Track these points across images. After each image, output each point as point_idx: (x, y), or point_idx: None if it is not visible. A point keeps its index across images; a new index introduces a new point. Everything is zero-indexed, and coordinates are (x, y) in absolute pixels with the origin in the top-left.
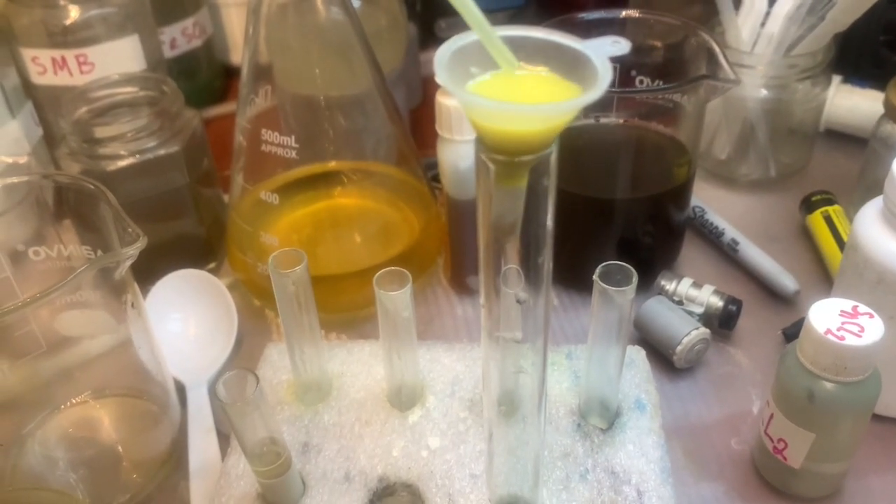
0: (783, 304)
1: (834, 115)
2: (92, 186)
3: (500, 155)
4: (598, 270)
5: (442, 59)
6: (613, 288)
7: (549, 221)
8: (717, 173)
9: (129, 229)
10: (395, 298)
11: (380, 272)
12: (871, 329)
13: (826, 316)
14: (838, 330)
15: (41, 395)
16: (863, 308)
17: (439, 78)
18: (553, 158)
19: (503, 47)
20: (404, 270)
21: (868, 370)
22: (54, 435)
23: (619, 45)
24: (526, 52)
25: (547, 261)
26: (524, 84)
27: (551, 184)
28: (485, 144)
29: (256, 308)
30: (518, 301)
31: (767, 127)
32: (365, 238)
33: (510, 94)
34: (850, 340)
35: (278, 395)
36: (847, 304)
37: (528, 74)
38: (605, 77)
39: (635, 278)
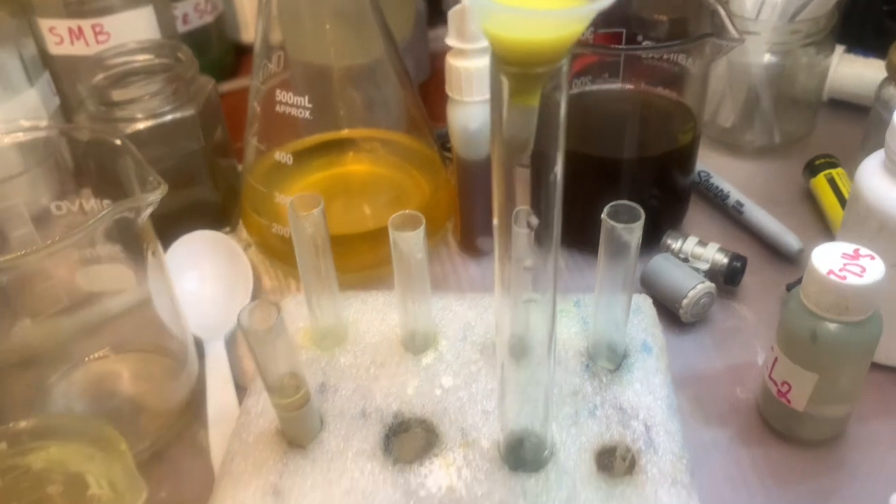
0: (787, 263)
1: (837, 85)
2: (114, 139)
3: (513, 67)
4: (606, 210)
5: None
6: (622, 225)
7: (561, 136)
8: (722, 141)
9: (151, 178)
10: (409, 239)
11: (394, 215)
12: (873, 269)
13: (829, 258)
14: (840, 270)
15: (63, 351)
16: (864, 250)
17: None
18: (565, 72)
19: None
20: (418, 213)
21: (869, 310)
22: (76, 388)
23: None
24: None
25: (558, 179)
26: None
27: (563, 97)
28: (499, 57)
29: (269, 270)
30: (529, 226)
31: (772, 94)
32: (376, 202)
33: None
34: (852, 280)
35: (296, 341)
36: (849, 247)
37: None
38: None
39: (642, 216)
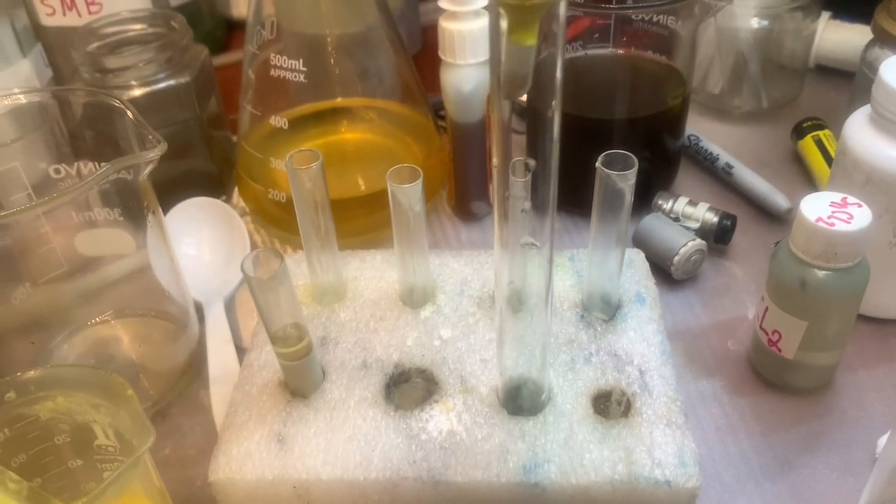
0: (776, 222)
1: (824, 50)
2: (111, 98)
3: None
4: (600, 159)
5: None
6: (616, 173)
7: (559, 70)
8: (711, 106)
9: (150, 136)
10: (408, 191)
11: (392, 169)
12: (860, 216)
13: (817, 206)
14: (829, 218)
15: (64, 315)
16: (852, 199)
17: None
18: (562, 5)
19: None
20: (416, 167)
21: (857, 257)
22: (78, 351)
23: None
24: None
25: (556, 115)
26: None
27: (560, 31)
28: None
29: (266, 240)
30: (527, 168)
31: (759, 59)
32: (371, 169)
33: None
34: (840, 227)
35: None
36: (837, 196)
37: None
38: None
39: (636, 164)
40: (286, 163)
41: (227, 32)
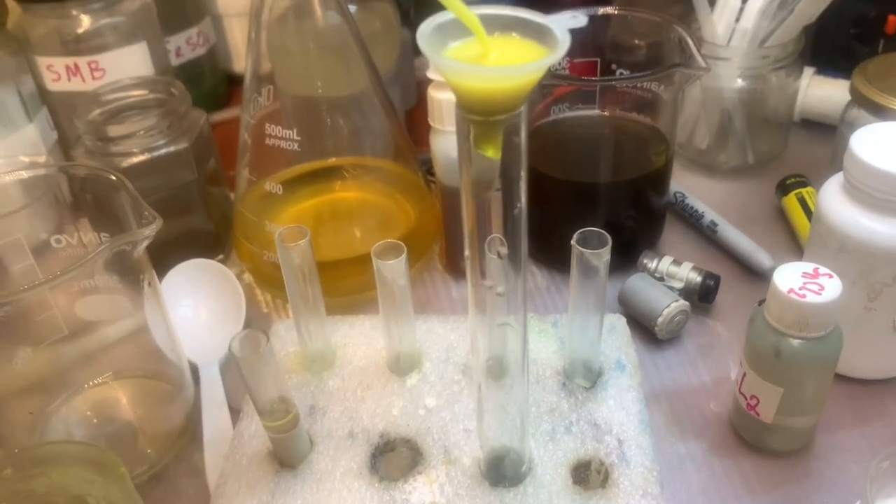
0: (760, 280)
1: (808, 105)
2: (110, 175)
3: (476, 115)
4: (575, 237)
5: (424, 31)
6: (590, 251)
7: (523, 175)
8: (698, 162)
9: (146, 212)
10: (392, 267)
11: (377, 244)
12: (830, 288)
13: (789, 277)
14: (800, 289)
15: (64, 378)
16: (823, 270)
17: (421, 46)
18: (523, 118)
19: (472, 15)
20: (399, 242)
21: (829, 326)
22: (76, 414)
23: (578, 19)
24: (498, 27)
25: (522, 214)
26: (496, 47)
27: (522, 141)
28: (463, 107)
29: (261, 296)
30: (499, 256)
31: (744, 116)
32: (364, 227)
33: (483, 57)
34: (811, 298)
35: (286, 366)
36: (809, 266)
37: (499, 38)
38: (563, 43)
39: (610, 242)
40: (276, 238)
41: (228, 87)
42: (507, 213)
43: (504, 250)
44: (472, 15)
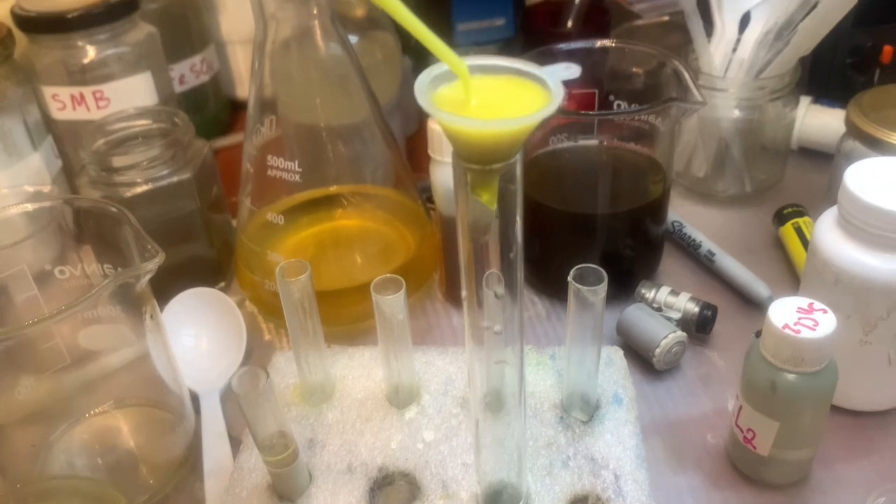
0: (757, 310)
1: (805, 134)
2: (113, 208)
3: (473, 164)
4: (571, 273)
5: (421, 85)
6: (587, 288)
7: (518, 221)
8: (695, 190)
9: (149, 246)
10: (391, 302)
11: (376, 279)
12: (825, 323)
13: (784, 312)
14: (795, 325)
15: (66, 406)
16: (818, 304)
17: (420, 101)
18: (518, 167)
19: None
20: (398, 277)
21: (824, 361)
22: (78, 443)
23: (572, 70)
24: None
25: (518, 256)
26: (492, 88)
27: (518, 188)
28: (460, 156)
29: (263, 325)
30: (496, 296)
31: (741, 145)
32: (365, 256)
33: (478, 101)
34: (806, 334)
35: (286, 398)
36: (804, 301)
37: (495, 78)
38: (557, 97)
39: (606, 279)
40: (276, 273)
41: (232, 113)
42: (503, 256)
43: (501, 290)
44: (461, 65)
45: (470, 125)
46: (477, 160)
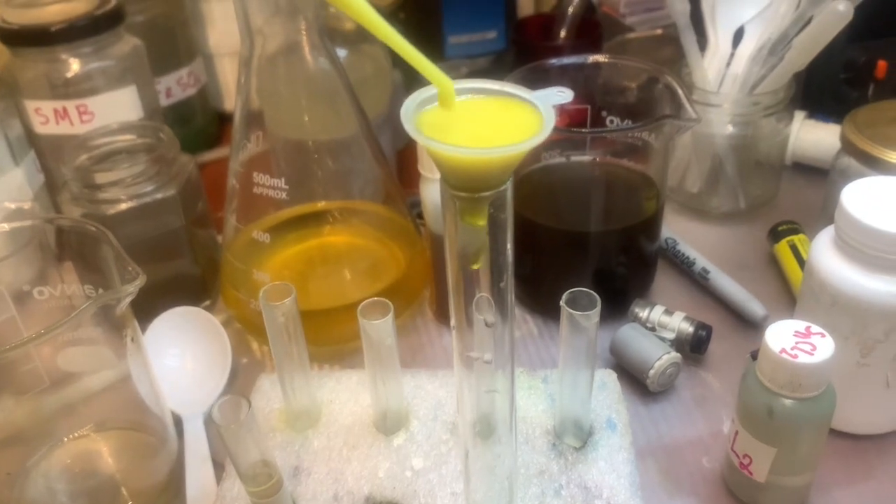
0: (752, 330)
1: (800, 149)
2: (94, 228)
3: (462, 192)
4: (564, 297)
5: (407, 111)
6: (579, 312)
7: (509, 249)
8: (689, 206)
9: (129, 268)
10: (378, 327)
11: (363, 303)
12: (823, 347)
13: (781, 336)
14: (792, 349)
15: (45, 429)
16: (815, 328)
17: (406, 128)
18: (508, 195)
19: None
20: (386, 301)
21: (822, 386)
22: (57, 467)
23: (564, 95)
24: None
25: (509, 285)
26: (482, 112)
27: (508, 216)
28: (448, 183)
29: (249, 343)
30: (486, 324)
31: (735, 161)
32: (353, 274)
33: (467, 126)
34: (803, 358)
35: (270, 423)
36: (801, 324)
37: (486, 101)
38: (549, 123)
39: (599, 303)
40: (260, 296)
41: (219, 126)
42: (493, 284)
43: (491, 318)
44: (448, 83)
45: (457, 153)
46: (465, 188)
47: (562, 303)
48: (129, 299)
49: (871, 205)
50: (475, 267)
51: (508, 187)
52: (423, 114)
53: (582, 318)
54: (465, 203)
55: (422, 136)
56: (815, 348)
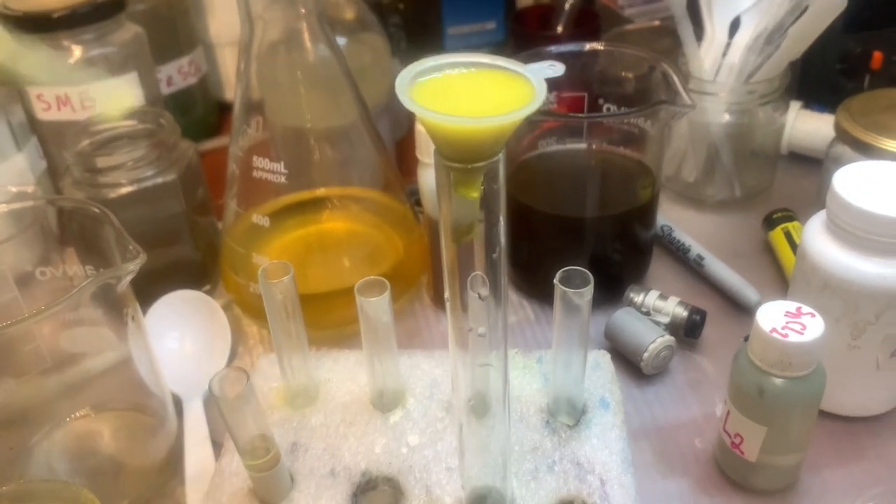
0: (746, 315)
1: (795, 139)
2: (95, 209)
3: (454, 163)
4: (557, 276)
5: (403, 81)
6: (572, 290)
7: (501, 221)
8: (685, 195)
9: (130, 247)
10: (375, 304)
11: (360, 281)
12: (813, 327)
13: (772, 316)
14: (783, 328)
15: (46, 410)
16: (806, 308)
17: (401, 99)
18: (501, 166)
19: None
20: (383, 279)
21: (811, 366)
22: (58, 447)
23: (555, 68)
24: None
25: (501, 256)
26: (475, 85)
27: (500, 188)
28: (441, 154)
29: (248, 327)
30: (480, 297)
31: (731, 150)
32: (352, 259)
33: (460, 98)
34: (793, 338)
35: (269, 401)
36: (792, 305)
37: (479, 75)
38: (540, 94)
39: (592, 281)
40: (259, 275)
41: (219, 115)
42: (487, 256)
43: (485, 291)
44: None
45: (452, 122)
46: (459, 158)
47: (555, 281)
48: (129, 277)
49: (863, 188)
50: (469, 238)
51: (501, 159)
52: (418, 85)
53: (575, 295)
54: (459, 174)
55: (417, 106)
56: (805, 328)
